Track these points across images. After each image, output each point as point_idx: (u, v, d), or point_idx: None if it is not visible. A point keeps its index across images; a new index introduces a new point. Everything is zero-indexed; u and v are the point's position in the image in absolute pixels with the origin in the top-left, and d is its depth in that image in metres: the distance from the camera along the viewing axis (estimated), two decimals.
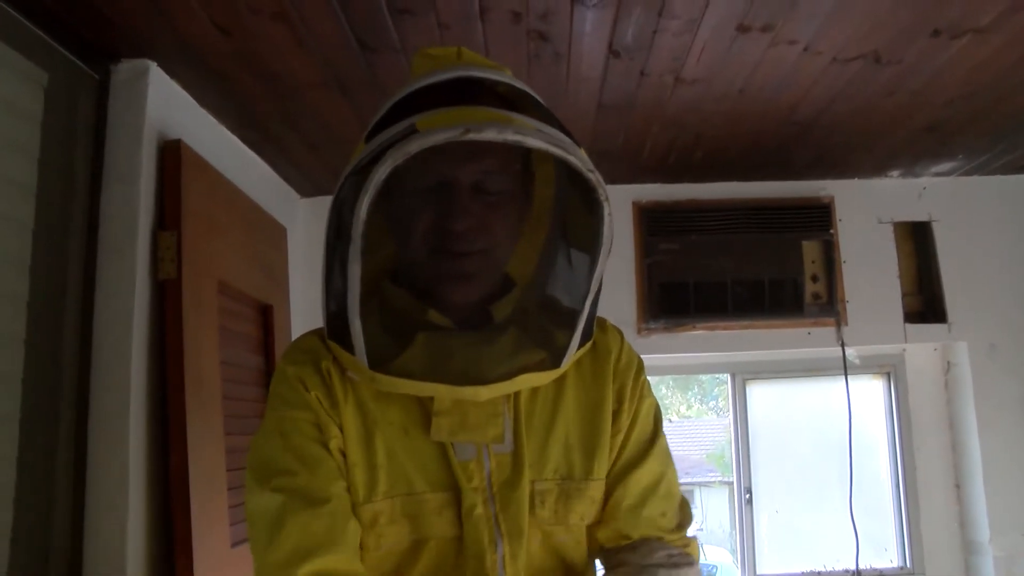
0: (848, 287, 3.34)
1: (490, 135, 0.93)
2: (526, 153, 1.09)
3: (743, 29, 2.09)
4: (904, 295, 3.38)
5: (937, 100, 2.56)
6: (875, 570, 3.40)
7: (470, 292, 1.07)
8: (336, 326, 1.05)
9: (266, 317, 2.69)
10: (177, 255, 2.09)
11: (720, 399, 19.44)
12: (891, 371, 3.58)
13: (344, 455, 1.05)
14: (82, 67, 2.04)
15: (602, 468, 1.13)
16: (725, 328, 3.31)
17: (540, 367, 1.07)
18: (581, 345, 1.10)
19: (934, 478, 3.46)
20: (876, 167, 3.30)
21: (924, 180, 3.42)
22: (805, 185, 3.40)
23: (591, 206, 1.03)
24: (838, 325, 3.32)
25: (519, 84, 1.06)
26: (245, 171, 2.69)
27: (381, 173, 0.93)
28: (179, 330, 2.06)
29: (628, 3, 1.94)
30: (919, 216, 3.42)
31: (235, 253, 2.45)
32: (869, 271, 3.36)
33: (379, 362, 1.02)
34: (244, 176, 2.63)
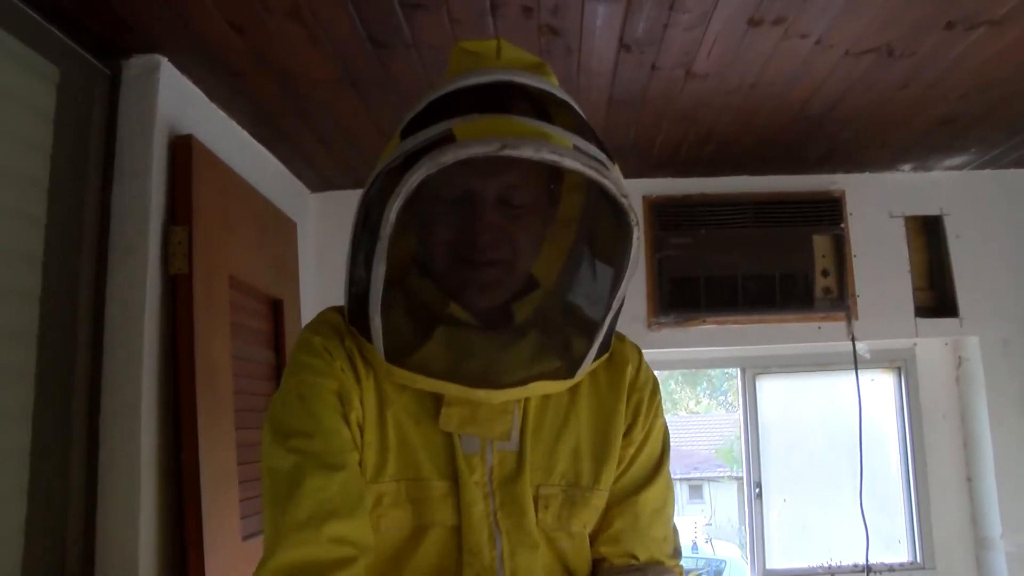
0: (859, 281, 3.33)
1: (527, 153, 0.92)
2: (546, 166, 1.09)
3: (754, 23, 2.08)
4: (915, 289, 3.37)
5: (951, 93, 2.55)
6: (885, 565, 3.39)
7: (492, 299, 1.07)
8: (356, 315, 1.05)
9: (276, 312, 2.70)
10: (188, 250, 2.09)
11: (729, 394, 19.44)
12: (902, 366, 3.57)
13: (361, 431, 1.06)
14: (94, 63, 2.05)
15: (609, 478, 1.13)
16: (735, 322, 3.30)
17: (554, 376, 1.07)
18: (598, 357, 1.10)
19: (945, 473, 3.45)
20: (888, 161, 3.29)
21: (936, 174, 3.40)
22: (816, 179, 3.39)
23: (621, 228, 1.02)
24: (848, 319, 3.31)
25: (559, 92, 1.05)
26: (256, 166, 2.70)
27: (413, 181, 0.93)
28: (190, 324, 2.07)
29: None
30: (931, 210, 3.40)
31: (246, 248, 2.46)
32: (880, 265, 3.35)
33: (396, 355, 1.03)
34: (255, 171, 2.64)
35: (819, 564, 3.45)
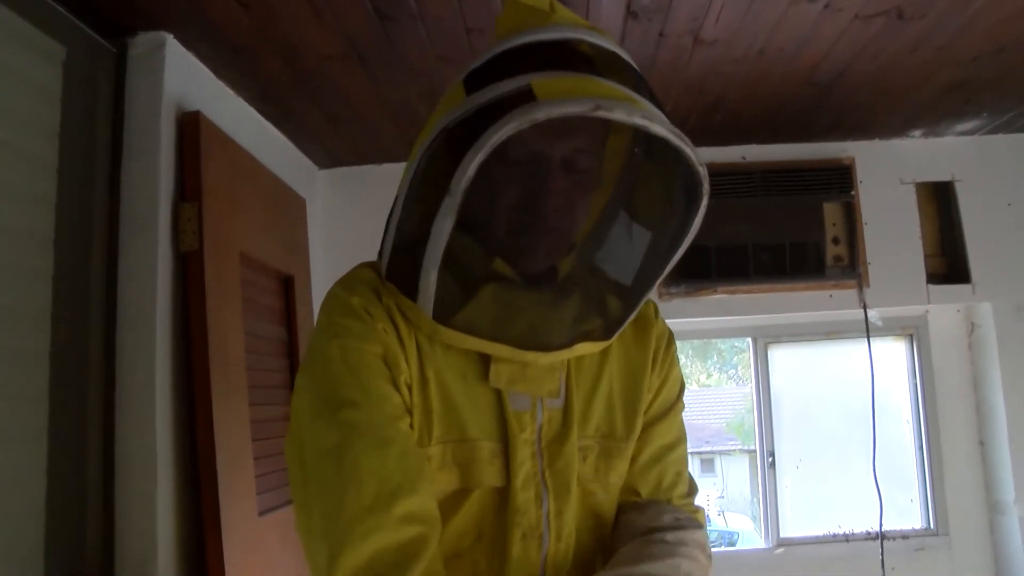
0: (870, 249, 3.31)
1: (620, 115, 0.89)
2: (608, 129, 1.06)
3: None
4: (927, 256, 3.35)
5: (962, 57, 2.52)
6: (899, 532, 3.39)
7: (543, 263, 1.06)
8: (400, 268, 1.02)
9: (288, 288, 2.70)
10: (199, 227, 2.09)
11: (740, 367, 19.44)
12: (914, 333, 3.56)
13: (410, 391, 1.03)
14: (100, 41, 2.04)
15: (640, 428, 1.15)
16: (746, 292, 3.29)
17: (594, 336, 1.08)
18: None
19: (958, 439, 3.44)
20: (898, 127, 3.26)
21: (947, 140, 3.37)
22: (825, 147, 3.37)
23: (690, 196, 1.02)
24: (860, 287, 3.30)
25: (625, 55, 1.02)
26: (264, 143, 2.69)
27: (501, 135, 0.89)
28: (202, 301, 2.08)
29: None
30: (942, 176, 3.38)
31: (255, 225, 2.46)
32: (891, 232, 3.33)
33: (443, 314, 1.00)
34: (263, 148, 2.63)
35: (832, 532, 3.46)
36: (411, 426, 1.01)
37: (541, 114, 0.88)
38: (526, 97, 0.90)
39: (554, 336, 1.04)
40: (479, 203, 0.99)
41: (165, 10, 2.02)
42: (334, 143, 3.08)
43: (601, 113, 0.88)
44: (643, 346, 1.17)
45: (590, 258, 1.13)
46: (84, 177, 1.97)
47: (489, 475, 1.04)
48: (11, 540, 1.67)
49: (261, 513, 2.24)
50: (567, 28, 1.00)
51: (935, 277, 3.36)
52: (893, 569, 3.28)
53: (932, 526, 3.43)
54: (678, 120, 3.01)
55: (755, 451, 3.89)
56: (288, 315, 2.68)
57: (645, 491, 1.14)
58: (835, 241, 3.31)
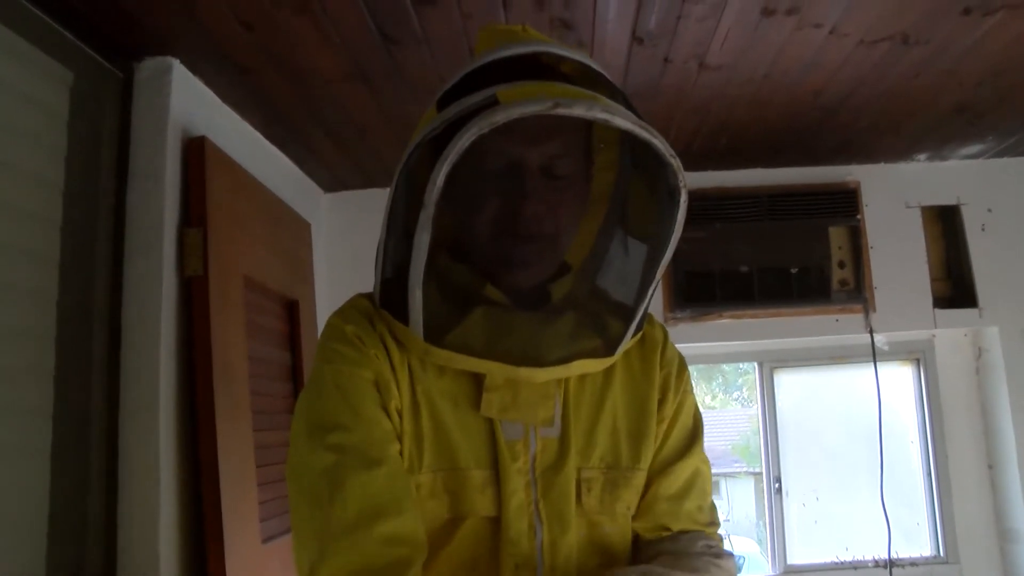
0: (876, 273, 3.30)
1: (579, 111, 0.90)
2: (590, 137, 1.08)
3: (768, 12, 2.06)
4: (933, 280, 3.33)
5: (967, 80, 2.52)
6: (908, 559, 3.36)
7: (532, 277, 1.06)
8: (391, 295, 1.03)
9: (292, 312, 2.69)
10: (203, 251, 2.09)
11: (744, 389, 19.36)
12: (920, 357, 3.54)
13: (400, 418, 1.03)
14: (106, 66, 2.05)
15: (648, 457, 1.12)
16: (752, 316, 3.28)
17: (595, 353, 1.06)
18: (634, 335, 1.09)
19: (967, 465, 3.41)
20: (903, 151, 3.26)
21: (952, 163, 3.37)
22: (830, 170, 3.37)
23: (669, 192, 1.01)
24: (866, 312, 3.28)
25: (595, 65, 1.04)
26: (269, 167, 2.70)
27: (465, 140, 0.90)
28: (206, 326, 2.07)
29: None
30: (947, 200, 3.37)
31: (260, 249, 2.45)
32: (897, 256, 3.32)
33: (434, 335, 1.00)
34: (268, 172, 2.64)
35: (840, 559, 3.42)
36: (401, 453, 1.01)
37: (501, 116, 0.89)
38: (491, 105, 0.91)
39: (549, 352, 1.02)
40: (461, 217, 1.01)
41: (171, 35, 2.03)
42: (339, 166, 3.08)
43: (561, 110, 0.89)
44: (649, 372, 1.15)
45: (583, 272, 1.13)
46: (90, 200, 1.97)
47: (481, 504, 1.02)
48: (13, 557, 1.65)
49: (265, 540, 2.22)
50: (534, 43, 1.02)
51: (941, 301, 3.34)
52: None
53: (942, 553, 3.39)
54: (683, 144, 3.02)
55: (760, 473, 3.86)
56: (292, 339, 2.67)
57: (676, 527, 1.12)
58: (841, 265, 3.30)
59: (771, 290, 3.23)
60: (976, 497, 3.39)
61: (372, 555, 0.91)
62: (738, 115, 2.77)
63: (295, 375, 2.64)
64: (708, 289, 3.23)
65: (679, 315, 3.26)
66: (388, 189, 1.03)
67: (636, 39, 2.17)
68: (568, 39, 2.15)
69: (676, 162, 0.98)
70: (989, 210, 3.33)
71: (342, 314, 1.08)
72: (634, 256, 1.09)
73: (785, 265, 3.24)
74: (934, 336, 3.49)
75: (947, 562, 3.37)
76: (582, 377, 1.10)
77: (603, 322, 1.08)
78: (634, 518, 1.13)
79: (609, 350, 1.07)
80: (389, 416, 1.01)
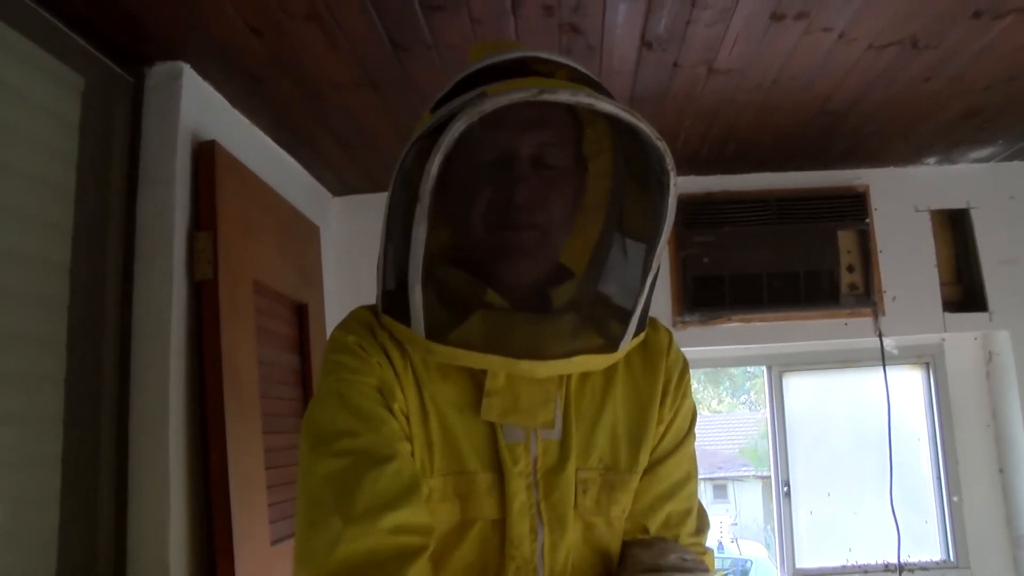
0: (885, 277, 3.29)
1: (564, 97, 0.94)
2: (581, 138, 1.10)
3: (777, 17, 2.06)
4: (942, 284, 3.32)
5: (976, 84, 2.51)
6: (918, 564, 3.35)
7: (526, 269, 1.06)
8: (393, 299, 1.04)
9: (301, 316, 2.70)
10: (213, 256, 2.10)
11: (752, 393, 19.35)
12: (930, 361, 3.52)
13: (408, 420, 1.04)
14: (117, 71, 2.06)
15: (645, 461, 1.12)
16: (761, 320, 3.28)
17: (598, 351, 1.06)
18: (636, 333, 1.09)
19: (977, 470, 3.40)
20: (912, 154, 3.25)
21: (962, 167, 3.36)
22: (839, 174, 3.36)
23: (658, 178, 1.02)
24: (875, 315, 3.28)
25: (582, 68, 1.07)
26: (278, 171, 2.71)
27: (455, 131, 0.94)
28: (216, 330, 2.08)
29: None
30: (956, 203, 3.36)
31: (269, 253, 2.46)
32: (906, 260, 3.31)
33: (436, 333, 1.01)
34: (277, 176, 2.65)
35: (850, 563, 3.41)
36: (412, 454, 1.02)
37: (488, 104, 0.93)
38: (479, 101, 0.95)
39: (550, 347, 1.03)
40: (456, 210, 1.04)
41: (182, 40, 2.04)
42: (347, 171, 3.09)
43: (546, 96, 0.93)
44: (652, 376, 1.15)
45: (585, 280, 1.14)
46: (100, 205, 1.98)
47: (487, 507, 1.03)
48: (24, 564, 1.66)
49: (274, 542, 2.23)
50: (524, 50, 1.06)
51: (951, 305, 3.33)
52: None
53: (952, 558, 3.38)
54: (692, 149, 3.02)
55: (768, 476, 3.86)
56: (301, 343, 2.68)
57: (654, 528, 1.12)
58: (850, 269, 3.29)
59: (780, 294, 3.23)
60: (986, 501, 3.37)
61: (376, 544, 0.91)
62: (747, 120, 2.77)
63: (304, 379, 2.65)
64: (717, 293, 3.23)
65: (688, 319, 3.26)
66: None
67: (645, 44, 2.18)
68: (577, 44, 2.15)
69: (662, 144, 0.99)
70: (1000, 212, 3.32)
71: (343, 326, 1.10)
72: (633, 256, 1.10)
73: (794, 269, 3.24)
74: (944, 340, 3.48)
75: (957, 567, 3.36)
76: (583, 379, 1.10)
77: (604, 320, 1.09)
78: (625, 520, 1.13)
79: (611, 347, 1.07)
80: (395, 417, 1.02)
